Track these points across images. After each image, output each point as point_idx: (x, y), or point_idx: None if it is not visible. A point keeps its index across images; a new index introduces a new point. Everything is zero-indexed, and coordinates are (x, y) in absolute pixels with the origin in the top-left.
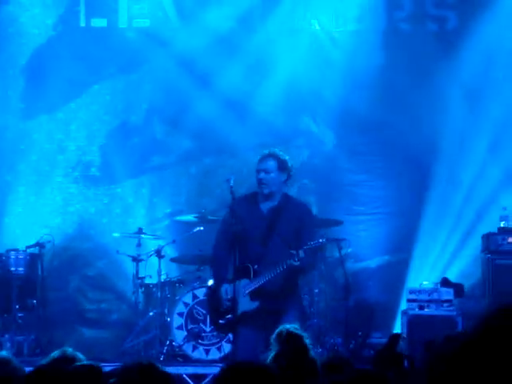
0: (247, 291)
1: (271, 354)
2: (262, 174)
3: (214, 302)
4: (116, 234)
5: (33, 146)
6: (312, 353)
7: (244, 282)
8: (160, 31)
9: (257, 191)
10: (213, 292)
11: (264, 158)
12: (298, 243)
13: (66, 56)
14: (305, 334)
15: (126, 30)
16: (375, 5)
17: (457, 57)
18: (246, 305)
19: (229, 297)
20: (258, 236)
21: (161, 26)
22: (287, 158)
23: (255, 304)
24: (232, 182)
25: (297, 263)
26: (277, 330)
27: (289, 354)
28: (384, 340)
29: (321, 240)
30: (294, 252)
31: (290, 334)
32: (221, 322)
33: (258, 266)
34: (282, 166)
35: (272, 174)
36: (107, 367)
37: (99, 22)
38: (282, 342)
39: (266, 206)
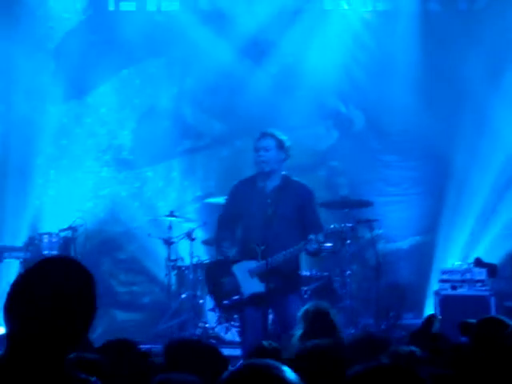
0: (256, 272)
1: (298, 333)
2: (262, 152)
3: (215, 282)
4: (147, 218)
5: (64, 130)
6: (339, 330)
7: (251, 263)
8: (189, 15)
9: (255, 174)
10: (214, 272)
11: (262, 136)
12: (302, 224)
13: (95, 40)
14: (333, 310)
15: (155, 13)
16: None
17: (484, 36)
18: (255, 286)
19: (236, 278)
20: (263, 217)
21: (190, 9)
22: (285, 137)
23: (264, 286)
24: (265, 167)
25: (314, 248)
26: (304, 308)
27: (316, 332)
28: (416, 321)
29: (342, 225)
30: (312, 237)
31: (317, 311)
32: (225, 302)
33: (265, 246)
34: (281, 144)
35: (272, 152)
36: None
37: (128, 6)
38: (310, 319)
39: (267, 186)
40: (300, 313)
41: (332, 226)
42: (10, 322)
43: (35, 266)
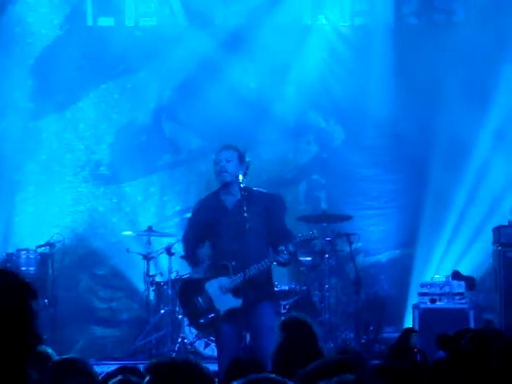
0: (230, 288)
1: (276, 344)
2: (223, 162)
3: (189, 302)
4: (126, 233)
5: (41, 146)
6: (319, 343)
7: (222, 279)
8: (167, 29)
9: (217, 189)
10: (186, 292)
11: (224, 148)
12: (271, 234)
13: (73, 55)
14: (311, 322)
15: (133, 28)
16: None
17: (463, 50)
18: (230, 302)
19: (210, 296)
20: (231, 232)
21: (168, 24)
22: (245, 153)
23: (240, 301)
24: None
25: (285, 259)
26: (284, 318)
27: (296, 342)
28: (396, 334)
29: (310, 232)
30: (282, 248)
31: (296, 321)
32: (202, 321)
33: (236, 262)
34: (241, 158)
35: (233, 163)
36: (118, 365)
37: (106, 21)
38: (289, 330)
39: (229, 202)
40: (278, 323)
41: (300, 235)
42: None
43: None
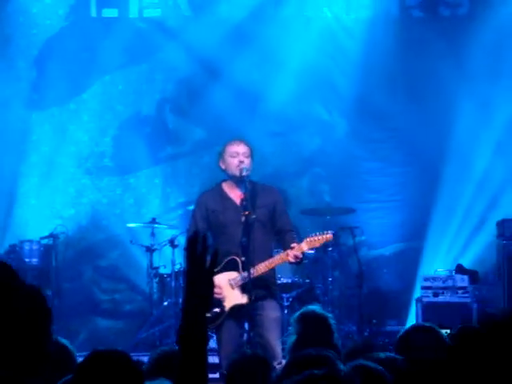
0: (238, 284)
1: (292, 338)
2: (242, 157)
3: None
4: (130, 225)
5: (45, 138)
6: (336, 336)
7: (231, 274)
8: (171, 21)
9: (219, 183)
10: None
11: (240, 142)
12: (275, 227)
13: (77, 46)
14: (330, 315)
15: (137, 20)
16: None
17: (467, 44)
18: (236, 298)
19: (218, 289)
20: (238, 226)
21: (172, 15)
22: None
23: (246, 297)
24: (245, 171)
25: (297, 259)
26: (299, 312)
27: (312, 336)
28: (398, 328)
29: (325, 232)
30: (295, 246)
31: (314, 316)
32: (207, 315)
33: (246, 257)
34: (252, 153)
35: (249, 159)
36: None
37: (110, 12)
38: (306, 323)
39: (234, 195)
40: (295, 316)
41: (314, 234)
42: None
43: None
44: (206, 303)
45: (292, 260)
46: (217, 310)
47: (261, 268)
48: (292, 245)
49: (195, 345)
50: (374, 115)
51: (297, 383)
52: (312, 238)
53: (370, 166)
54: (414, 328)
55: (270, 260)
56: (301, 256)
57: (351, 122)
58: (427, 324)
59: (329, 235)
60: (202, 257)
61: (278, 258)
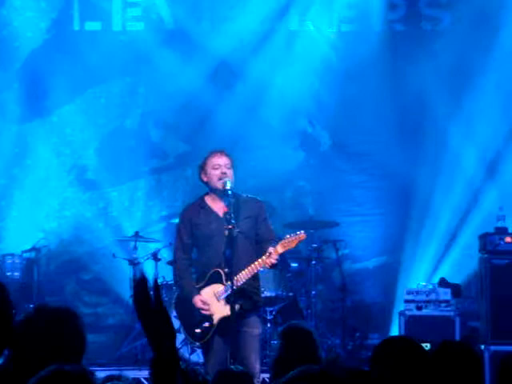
0: (223, 296)
1: (276, 352)
2: (224, 169)
3: (186, 312)
4: (112, 238)
5: (27, 150)
6: (320, 352)
7: (216, 287)
8: (154, 34)
9: (202, 196)
10: (183, 301)
11: (221, 153)
12: (258, 237)
13: (60, 59)
14: (313, 330)
15: (120, 33)
16: (369, 6)
17: (449, 57)
18: (224, 310)
19: (206, 306)
20: (222, 238)
21: (155, 29)
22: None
23: (229, 308)
24: (228, 184)
25: (275, 261)
26: (284, 326)
27: (296, 352)
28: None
29: (298, 232)
30: (271, 250)
31: (298, 331)
32: (197, 331)
33: (228, 269)
34: (233, 165)
35: (231, 170)
36: (104, 372)
37: (93, 26)
38: (290, 338)
39: (218, 208)
40: (279, 331)
41: (288, 236)
42: None
43: None
44: (170, 336)
45: (268, 265)
46: (206, 324)
47: (242, 276)
48: (269, 250)
49: (168, 373)
50: (357, 128)
51: (292, 379)
52: (286, 240)
53: (353, 179)
54: (387, 340)
55: (249, 268)
56: (276, 259)
57: (334, 135)
58: (403, 335)
59: (302, 235)
60: (147, 300)
61: (257, 264)
